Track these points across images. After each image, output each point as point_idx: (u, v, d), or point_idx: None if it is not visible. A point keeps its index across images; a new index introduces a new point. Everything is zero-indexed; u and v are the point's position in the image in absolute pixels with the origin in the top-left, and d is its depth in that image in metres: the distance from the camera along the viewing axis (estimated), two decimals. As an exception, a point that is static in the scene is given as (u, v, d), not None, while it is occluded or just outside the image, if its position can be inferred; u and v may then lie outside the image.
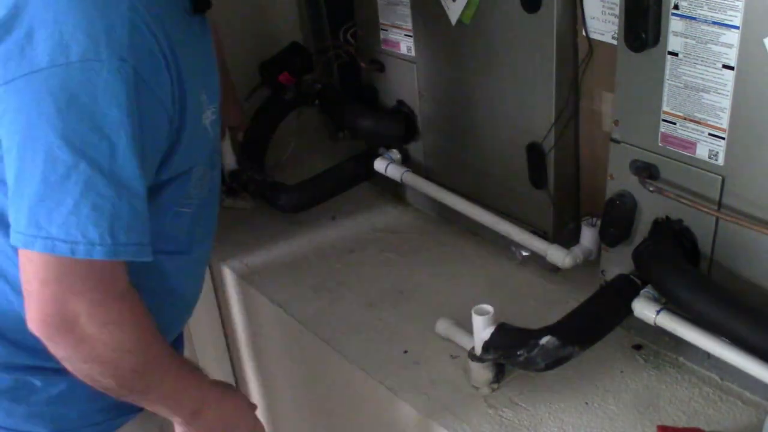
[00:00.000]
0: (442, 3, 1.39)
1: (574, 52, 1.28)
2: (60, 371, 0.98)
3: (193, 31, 0.98)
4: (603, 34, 1.22)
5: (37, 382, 1.01)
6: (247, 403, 1.14)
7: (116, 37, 0.82)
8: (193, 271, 1.16)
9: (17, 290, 0.92)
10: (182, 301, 1.15)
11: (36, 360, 0.99)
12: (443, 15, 1.40)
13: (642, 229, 1.18)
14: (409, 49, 1.55)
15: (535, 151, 1.36)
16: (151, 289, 0.98)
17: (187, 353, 1.71)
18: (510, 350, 1.13)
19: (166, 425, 1.14)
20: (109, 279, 0.88)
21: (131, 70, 0.83)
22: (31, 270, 0.85)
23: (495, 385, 1.20)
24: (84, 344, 0.89)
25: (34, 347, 0.95)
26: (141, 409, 1.10)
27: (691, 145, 1.08)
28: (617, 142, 1.17)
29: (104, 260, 0.85)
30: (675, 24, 1.03)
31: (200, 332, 1.71)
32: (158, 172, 0.94)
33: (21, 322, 0.92)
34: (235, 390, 1.16)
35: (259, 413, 1.75)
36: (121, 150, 0.83)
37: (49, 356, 0.96)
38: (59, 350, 0.90)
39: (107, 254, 0.84)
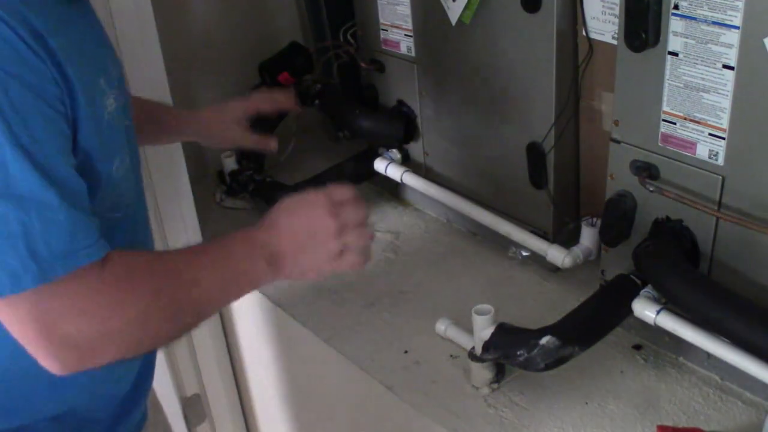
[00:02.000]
0: (442, 3, 1.39)
1: (574, 52, 1.28)
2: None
3: (70, 16, 0.86)
4: (603, 34, 1.22)
5: None
6: (291, 201, 0.97)
7: None
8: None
9: None
10: None
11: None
12: (443, 15, 1.40)
13: (642, 229, 1.18)
14: (409, 49, 1.55)
15: (535, 151, 1.36)
16: None
17: (187, 353, 1.71)
18: (510, 350, 1.13)
19: None
20: (73, 284, 0.79)
21: None
22: (6, 321, 0.79)
23: (495, 385, 1.20)
24: (102, 346, 0.82)
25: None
26: None
27: (691, 145, 1.08)
28: (617, 142, 1.17)
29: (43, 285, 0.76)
30: (675, 24, 1.03)
31: (200, 332, 1.71)
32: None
33: None
34: (276, 208, 0.97)
35: (259, 413, 1.75)
36: (10, 163, 0.74)
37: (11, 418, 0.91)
38: (102, 365, 0.83)
39: (37, 279, 0.76)
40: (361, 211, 0.99)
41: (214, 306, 0.93)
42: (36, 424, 0.96)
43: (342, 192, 0.99)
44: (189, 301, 0.88)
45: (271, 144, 1.45)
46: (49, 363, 0.80)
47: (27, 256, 0.75)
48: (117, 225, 0.93)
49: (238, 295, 0.94)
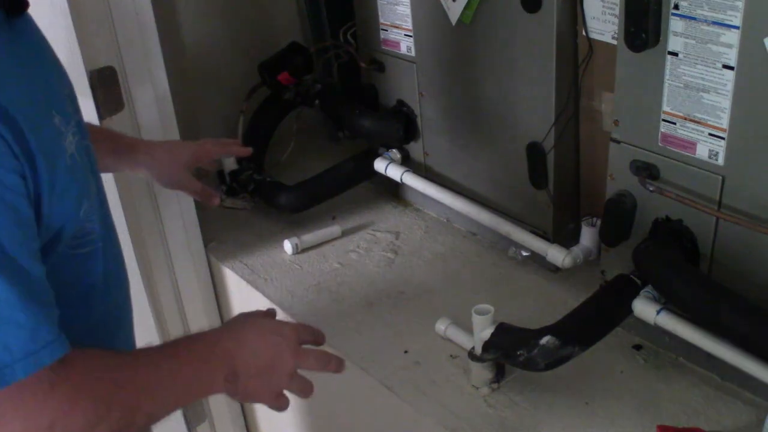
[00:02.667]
0: (442, 3, 1.39)
1: (574, 52, 1.28)
2: None
3: (16, 44, 0.79)
4: (603, 34, 1.22)
5: None
6: (261, 324, 0.99)
7: None
8: (120, 315, 1.03)
9: None
10: (117, 316, 1.02)
11: None
12: (443, 15, 1.40)
13: (642, 229, 1.18)
14: (409, 49, 1.55)
15: (535, 151, 1.36)
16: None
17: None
18: (510, 350, 1.13)
19: None
20: (23, 390, 0.74)
21: None
22: None
23: (495, 385, 1.20)
24: (94, 425, 0.78)
25: None
26: None
27: (691, 145, 1.08)
28: (617, 142, 1.17)
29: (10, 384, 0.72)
30: (675, 24, 1.03)
31: (200, 332, 1.71)
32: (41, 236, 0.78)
33: None
34: (237, 323, 0.99)
35: (259, 413, 1.75)
36: None
37: None
38: None
39: None
40: (320, 361, 1.02)
41: (166, 414, 0.89)
42: None
43: (309, 333, 1.03)
44: (141, 412, 0.85)
45: (214, 199, 1.39)
46: None
47: None
48: (87, 259, 0.90)
49: (187, 403, 0.93)
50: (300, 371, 1.02)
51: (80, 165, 0.84)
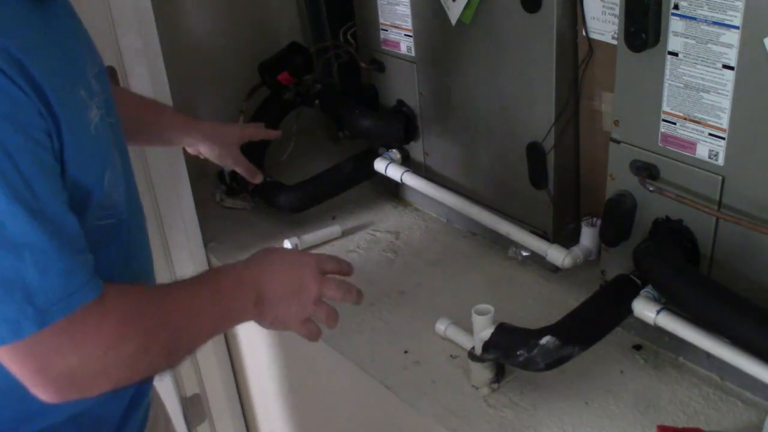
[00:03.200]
0: (442, 3, 1.39)
1: (574, 52, 1.28)
2: None
3: (48, 22, 0.84)
4: (603, 34, 1.22)
5: None
6: (284, 253, 1.05)
7: None
8: (143, 260, 1.08)
9: None
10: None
11: (9, 425, 0.94)
12: (443, 15, 1.40)
13: (642, 229, 1.18)
14: (409, 49, 1.55)
15: (535, 151, 1.36)
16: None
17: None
18: (510, 350, 1.13)
19: None
20: (79, 324, 0.80)
21: None
22: (7, 362, 0.79)
23: (495, 385, 1.20)
24: (99, 379, 0.84)
25: (9, 414, 0.92)
26: None
27: (691, 145, 1.08)
28: (617, 142, 1.17)
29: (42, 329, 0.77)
30: (675, 24, 1.03)
31: (200, 332, 1.71)
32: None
33: None
34: (266, 253, 1.03)
35: (259, 413, 1.75)
36: (5, 211, 0.74)
37: (20, 418, 0.93)
38: (91, 397, 0.85)
39: (36, 324, 0.76)
40: (341, 289, 1.05)
41: (204, 340, 0.95)
42: (55, 426, 0.97)
43: (334, 263, 1.06)
44: (185, 335, 0.91)
45: (257, 177, 1.53)
46: (45, 396, 0.81)
47: (25, 303, 0.76)
48: (111, 231, 0.94)
49: (223, 331, 0.99)
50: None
51: (103, 137, 0.89)
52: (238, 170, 1.52)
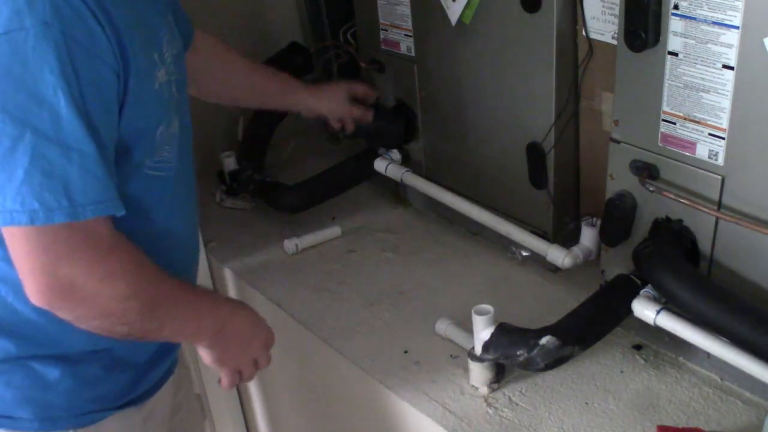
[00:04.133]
0: (442, 3, 1.39)
1: (574, 52, 1.28)
2: (55, 358, 1.01)
3: None
4: (603, 34, 1.22)
5: (33, 368, 1.02)
6: (257, 316, 1.16)
7: (37, 3, 0.82)
8: (184, 234, 1.17)
9: (5, 281, 0.96)
10: (177, 239, 1.15)
11: (31, 348, 1.01)
12: (443, 15, 1.40)
13: (642, 229, 1.18)
14: (409, 49, 1.55)
15: (535, 151, 1.36)
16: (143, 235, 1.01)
17: (187, 353, 1.71)
18: (510, 350, 1.13)
19: (149, 416, 1.16)
20: (92, 237, 0.90)
21: (58, 33, 0.83)
22: (16, 245, 0.88)
23: (495, 385, 1.20)
24: (86, 303, 0.92)
25: (30, 335, 0.99)
26: (128, 403, 1.12)
27: (691, 145, 1.08)
28: (617, 142, 1.17)
29: (71, 222, 0.86)
30: (675, 24, 1.03)
31: (200, 332, 1.71)
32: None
33: (11, 312, 0.98)
34: (244, 304, 1.17)
35: (259, 413, 1.75)
36: (63, 113, 0.84)
37: (43, 343, 1.00)
38: (66, 314, 0.93)
39: (68, 216, 0.86)
40: (265, 365, 1.19)
41: (169, 331, 1.05)
42: (76, 354, 1.05)
43: (271, 344, 1.18)
44: (159, 312, 0.99)
45: (368, 115, 1.61)
46: (34, 293, 0.90)
47: (63, 194, 0.85)
48: (157, 180, 1.03)
49: (182, 336, 1.10)
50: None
51: (165, 96, 1.01)
52: (356, 116, 1.60)
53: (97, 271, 0.91)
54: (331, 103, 1.57)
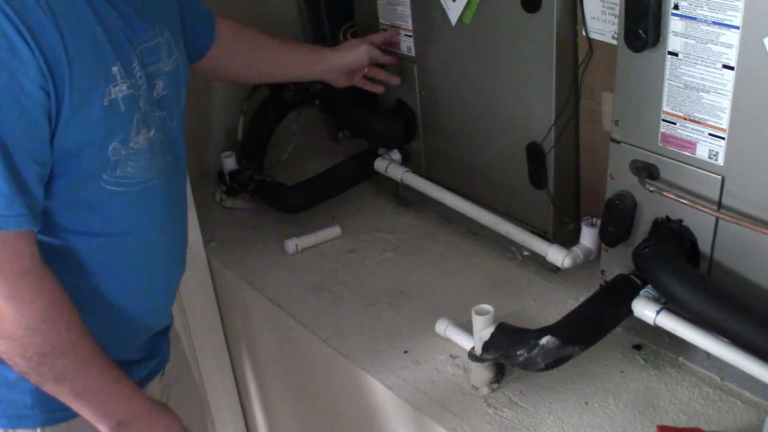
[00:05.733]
0: (442, 3, 1.39)
1: (574, 52, 1.28)
2: None
3: (99, 3, 0.97)
4: (603, 34, 1.22)
5: None
6: (179, 426, 1.09)
7: None
8: (145, 256, 1.11)
9: None
10: (118, 310, 1.10)
11: None
12: (443, 15, 1.40)
13: (642, 229, 1.18)
14: (409, 49, 1.55)
15: (535, 151, 1.36)
16: (74, 287, 0.98)
17: (187, 353, 1.71)
18: (510, 350, 1.13)
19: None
20: (10, 254, 0.89)
21: None
22: None
23: (495, 385, 1.20)
24: None
25: None
26: None
27: (691, 145, 1.08)
28: (617, 142, 1.17)
29: None
30: (675, 24, 1.03)
31: (200, 332, 1.71)
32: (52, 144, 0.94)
33: None
34: (168, 409, 1.10)
35: (259, 413, 1.75)
36: None
37: None
38: None
39: None
40: None
41: (72, 398, 0.99)
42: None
43: None
44: (58, 365, 0.95)
45: (394, 79, 1.58)
46: None
47: None
48: (117, 196, 1.01)
49: (83, 411, 1.01)
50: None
51: (121, 111, 0.97)
52: (380, 77, 1.59)
53: (7, 290, 0.90)
54: (351, 52, 1.55)
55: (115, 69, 0.96)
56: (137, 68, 1.00)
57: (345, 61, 1.54)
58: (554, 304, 1.33)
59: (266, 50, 1.50)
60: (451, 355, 1.28)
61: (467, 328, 1.22)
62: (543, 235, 1.40)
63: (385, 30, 1.58)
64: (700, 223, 1.11)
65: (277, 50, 1.52)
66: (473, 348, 1.19)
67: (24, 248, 0.91)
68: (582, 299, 1.21)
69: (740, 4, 0.94)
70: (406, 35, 1.54)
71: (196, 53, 1.33)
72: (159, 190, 1.08)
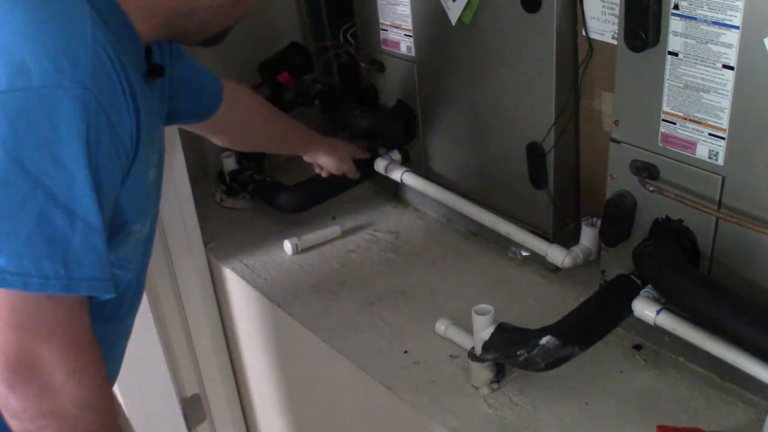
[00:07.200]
0: (442, 3, 1.39)
1: (574, 52, 1.28)
2: None
3: (149, 92, 0.96)
4: (603, 34, 1.22)
5: None
6: None
7: (80, 65, 0.79)
8: (113, 345, 1.08)
9: None
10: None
11: None
12: (443, 15, 1.40)
13: (642, 229, 1.18)
14: (409, 49, 1.55)
15: (535, 151, 1.36)
16: None
17: (187, 353, 1.71)
18: (510, 350, 1.13)
19: None
20: (78, 324, 0.84)
21: (93, 99, 0.79)
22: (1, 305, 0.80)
23: (495, 385, 1.20)
24: (46, 395, 0.82)
25: None
26: None
27: (691, 145, 1.08)
28: (617, 142, 1.17)
29: (63, 295, 0.80)
30: (675, 24, 1.03)
31: (200, 332, 1.71)
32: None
33: None
34: None
35: (259, 413, 1.75)
36: (79, 181, 0.79)
37: None
38: (16, 401, 0.82)
39: (63, 288, 0.80)
40: None
41: None
42: None
43: None
44: None
45: (356, 174, 1.64)
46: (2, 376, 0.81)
47: (61, 265, 0.79)
48: (120, 279, 0.98)
49: None
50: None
51: (150, 196, 0.99)
52: (350, 177, 1.64)
53: (70, 363, 0.83)
54: (337, 162, 1.60)
55: (150, 151, 0.96)
56: (157, 153, 1.00)
57: (328, 166, 1.60)
58: (554, 304, 1.33)
59: (269, 121, 1.50)
60: (451, 355, 1.28)
61: (467, 328, 1.22)
62: (543, 235, 1.40)
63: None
64: (700, 223, 1.11)
65: (276, 123, 1.52)
66: (473, 348, 1.19)
67: (88, 319, 0.85)
68: (582, 299, 1.21)
69: (740, 4, 0.94)
70: (406, 35, 1.54)
71: (204, 113, 1.33)
72: (142, 278, 1.07)
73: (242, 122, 1.44)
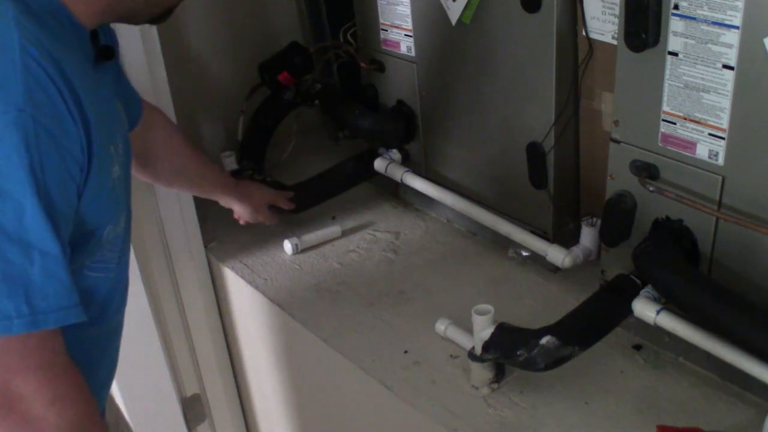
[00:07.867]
0: (442, 3, 1.39)
1: (574, 52, 1.28)
2: None
3: (100, 77, 0.91)
4: (603, 34, 1.22)
5: None
6: None
7: (10, 87, 0.74)
8: (107, 345, 1.06)
9: None
10: (96, 377, 1.02)
11: None
12: (443, 15, 1.40)
13: (642, 229, 1.18)
14: (409, 49, 1.55)
15: (535, 151, 1.36)
16: None
17: (187, 353, 1.71)
18: (510, 350, 1.13)
19: None
20: (49, 352, 0.81)
21: (30, 120, 0.75)
22: None
23: (495, 385, 1.20)
24: (28, 426, 0.80)
25: None
26: None
27: (691, 145, 1.08)
28: (617, 142, 1.17)
29: (29, 332, 0.77)
30: (675, 24, 1.03)
31: (200, 332, 1.71)
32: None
33: None
34: None
35: (259, 413, 1.75)
36: (29, 210, 0.76)
37: None
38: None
39: (27, 326, 0.77)
40: None
41: None
42: None
43: None
44: None
45: (274, 220, 1.62)
46: None
47: (23, 302, 0.76)
48: (94, 281, 0.95)
49: None
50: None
51: (116, 194, 0.93)
52: (267, 223, 1.62)
53: (49, 392, 0.80)
54: (251, 211, 1.57)
55: (112, 147, 0.90)
56: (120, 146, 0.95)
57: (241, 213, 1.57)
58: (554, 304, 1.33)
59: (187, 154, 1.41)
60: (451, 355, 1.28)
61: (467, 328, 1.22)
62: (543, 235, 1.40)
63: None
64: (700, 223, 1.11)
65: (194, 159, 1.44)
66: (473, 348, 1.19)
67: (59, 344, 0.82)
68: (582, 299, 1.21)
69: (740, 4, 0.94)
70: (406, 35, 1.54)
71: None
72: (124, 274, 1.05)
73: (165, 146, 1.36)
